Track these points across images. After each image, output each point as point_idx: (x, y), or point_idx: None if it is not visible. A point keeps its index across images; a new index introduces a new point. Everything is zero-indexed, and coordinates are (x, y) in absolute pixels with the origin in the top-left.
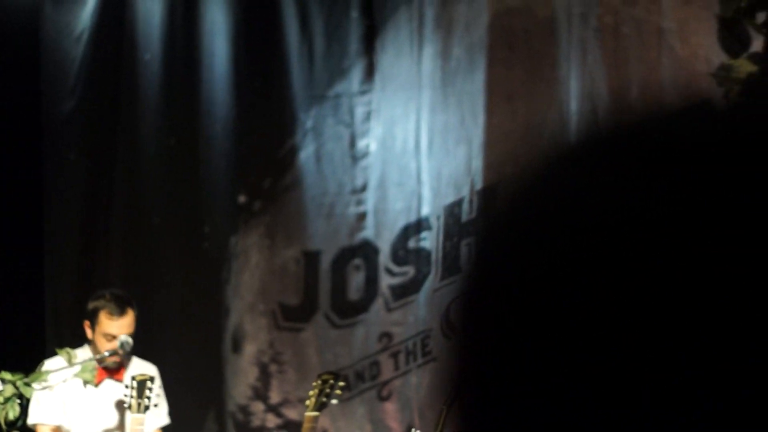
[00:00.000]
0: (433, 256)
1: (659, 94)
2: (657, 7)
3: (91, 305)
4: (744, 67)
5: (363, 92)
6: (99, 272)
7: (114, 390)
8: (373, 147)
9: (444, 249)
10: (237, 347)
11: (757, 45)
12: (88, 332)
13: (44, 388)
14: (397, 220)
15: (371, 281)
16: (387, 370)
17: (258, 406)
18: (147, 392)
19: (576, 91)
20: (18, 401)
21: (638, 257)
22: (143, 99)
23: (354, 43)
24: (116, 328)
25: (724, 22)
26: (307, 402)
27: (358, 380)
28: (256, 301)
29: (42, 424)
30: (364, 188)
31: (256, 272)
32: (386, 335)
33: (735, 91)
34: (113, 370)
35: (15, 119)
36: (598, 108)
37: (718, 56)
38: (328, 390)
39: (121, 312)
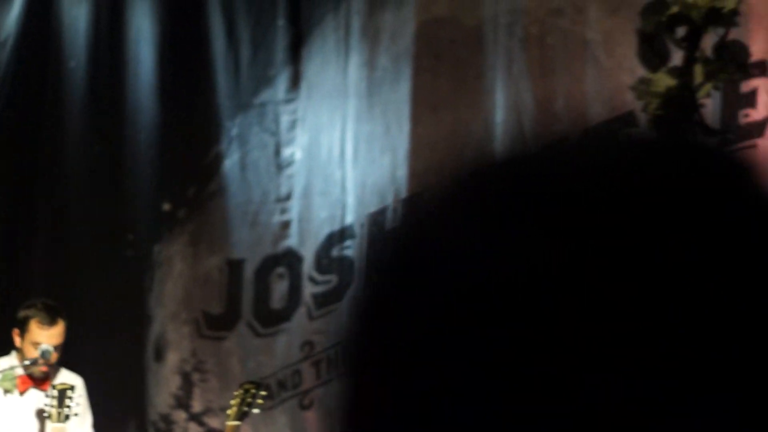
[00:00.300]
0: (357, 265)
1: (584, 104)
2: (582, 18)
3: (21, 313)
4: (663, 80)
5: (288, 101)
6: (22, 280)
7: (38, 399)
8: (299, 155)
9: (367, 257)
10: (159, 356)
11: (676, 59)
12: (17, 340)
13: None
14: (322, 228)
15: (294, 290)
16: (309, 378)
17: (180, 415)
18: (68, 401)
19: (501, 100)
20: None
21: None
22: (68, 106)
23: (280, 51)
24: (46, 337)
25: (644, 37)
26: (229, 411)
27: (280, 389)
28: (179, 310)
29: None
30: (288, 197)
31: (180, 280)
32: (308, 344)
33: (654, 105)
34: (39, 379)
35: None
36: (523, 118)
37: (642, 68)
38: (249, 399)
39: (52, 322)
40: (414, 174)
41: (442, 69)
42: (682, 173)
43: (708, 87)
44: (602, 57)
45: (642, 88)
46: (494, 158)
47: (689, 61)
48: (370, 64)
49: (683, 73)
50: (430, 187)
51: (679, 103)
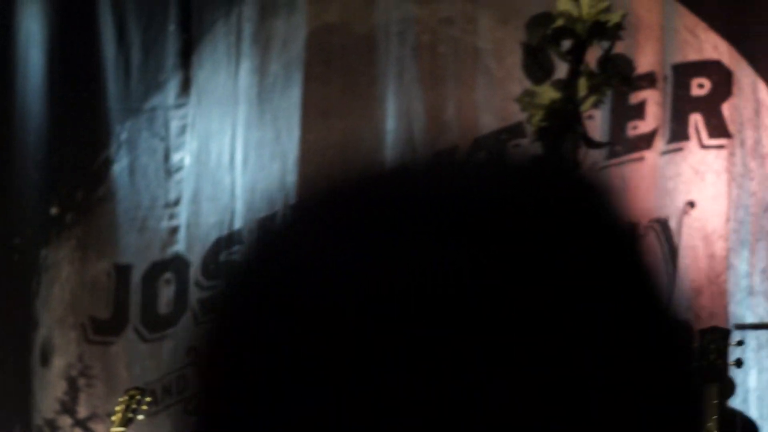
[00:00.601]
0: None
1: (474, 113)
2: (473, 28)
3: None
4: (547, 93)
5: (179, 106)
6: None
7: None
8: (188, 161)
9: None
10: (45, 360)
11: (560, 72)
12: None
13: None
14: (210, 234)
15: (181, 295)
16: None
17: (65, 420)
18: None
19: (392, 108)
20: None
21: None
22: None
23: (171, 56)
24: None
25: (529, 49)
26: (113, 417)
27: (166, 394)
28: (65, 314)
29: None
30: (177, 202)
31: (67, 285)
32: (194, 349)
33: (538, 116)
34: None
35: None
36: (414, 126)
37: None
38: (134, 405)
39: None
40: (304, 180)
41: (333, 76)
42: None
43: (592, 100)
44: (493, 66)
45: (526, 99)
46: (383, 166)
47: (573, 74)
48: (261, 70)
49: (567, 85)
50: (310, 195)
51: (563, 115)
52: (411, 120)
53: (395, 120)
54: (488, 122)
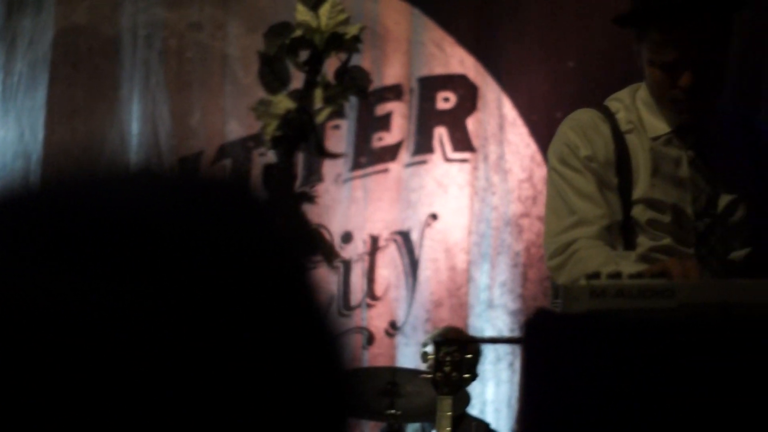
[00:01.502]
0: None
1: (221, 120)
2: (222, 34)
3: None
4: (282, 103)
5: None
6: None
7: None
8: None
9: None
10: None
11: (296, 82)
12: None
13: None
14: None
15: None
16: None
17: None
18: None
19: (138, 112)
20: None
21: None
22: None
23: None
24: None
25: (266, 59)
26: None
27: None
28: None
29: None
30: None
31: None
32: None
33: (272, 126)
34: None
35: None
36: (159, 130)
37: None
38: None
39: None
40: (46, 181)
41: (79, 77)
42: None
43: (327, 111)
44: (240, 74)
45: (262, 109)
46: (126, 168)
47: (309, 84)
48: (6, 69)
49: (303, 96)
50: None
51: (298, 125)
52: (156, 124)
53: (140, 124)
54: (235, 129)
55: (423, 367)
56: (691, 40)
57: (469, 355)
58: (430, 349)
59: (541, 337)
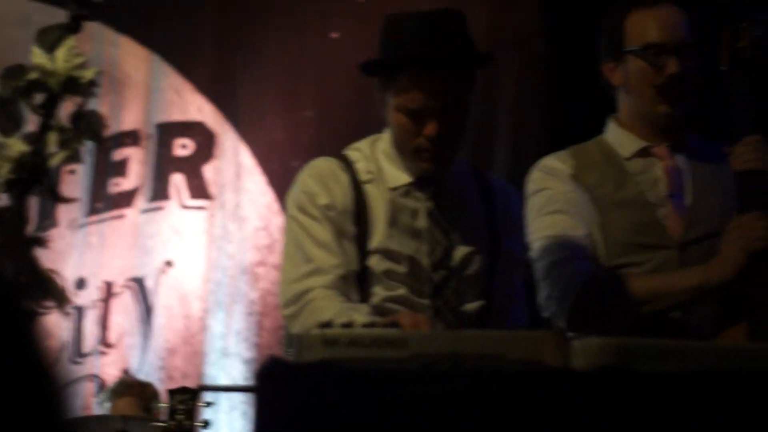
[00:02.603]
0: None
1: None
2: None
3: None
4: (16, 146)
5: None
6: None
7: None
8: None
9: None
10: None
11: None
12: None
13: None
14: None
15: None
16: None
17: None
18: None
19: None
20: None
21: None
22: None
23: None
24: None
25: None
26: None
27: None
28: None
29: None
30: None
31: None
32: None
33: (5, 169)
34: None
35: None
36: None
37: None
38: None
39: None
40: None
41: None
42: None
43: (62, 155)
44: None
45: None
46: None
47: (44, 128)
48: None
49: (37, 139)
50: None
51: (32, 169)
52: None
53: None
54: None
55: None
56: (438, 90)
57: (203, 404)
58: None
59: (272, 386)
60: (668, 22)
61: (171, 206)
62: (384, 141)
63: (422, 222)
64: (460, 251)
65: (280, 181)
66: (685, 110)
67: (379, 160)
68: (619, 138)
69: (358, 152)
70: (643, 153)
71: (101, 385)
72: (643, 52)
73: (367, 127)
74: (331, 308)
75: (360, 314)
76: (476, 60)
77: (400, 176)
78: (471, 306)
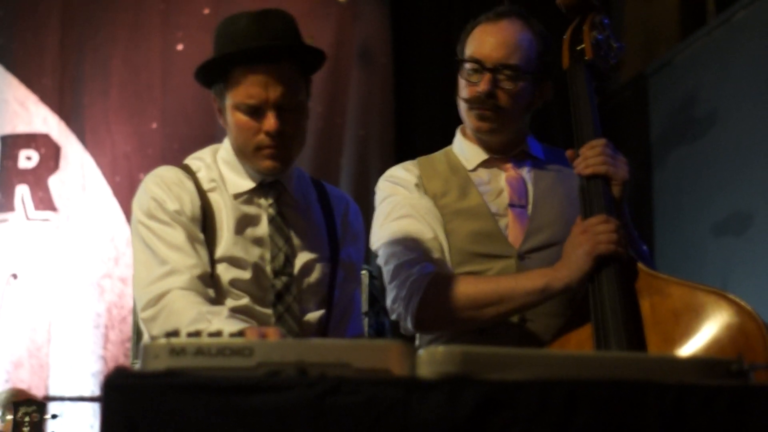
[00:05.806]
0: None
1: None
2: None
3: None
4: None
5: None
6: None
7: None
8: None
9: None
10: None
11: None
12: None
13: None
14: None
15: None
16: None
17: None
18: None
19: None
20: None
21: None
22: None
23: None
24: None
25: None
26: None
27: None
28: None
29: None
30: None
31: None
32: None
33: None
34: None
35: None
36: None
37: None
38: None
39: None
40: None
41: None
42: None
43: None
44: None
45: None
46: None
47: None
48: None
49: None
50: None
51: None
52: None
53: None
54: None
55: None
56: (272, 81)
57: (49, 416)
58: None
59: (118, 395)
60: (497, 40)
61: (16, 218)
62: (224, 149)
63: (264, 228)
64: (302, 258)
65: (126, 194)
66: (499, 126)
67: (221, 168)
68: (464, 149)
69: (199, 161)
70: (487, 164)
71: None
72: (462, 64)
73: (212, 140)
74: (190, 313)
75: (219, 319)
76: (304, 51)
77: (241, 183)
78: (313, 315)
